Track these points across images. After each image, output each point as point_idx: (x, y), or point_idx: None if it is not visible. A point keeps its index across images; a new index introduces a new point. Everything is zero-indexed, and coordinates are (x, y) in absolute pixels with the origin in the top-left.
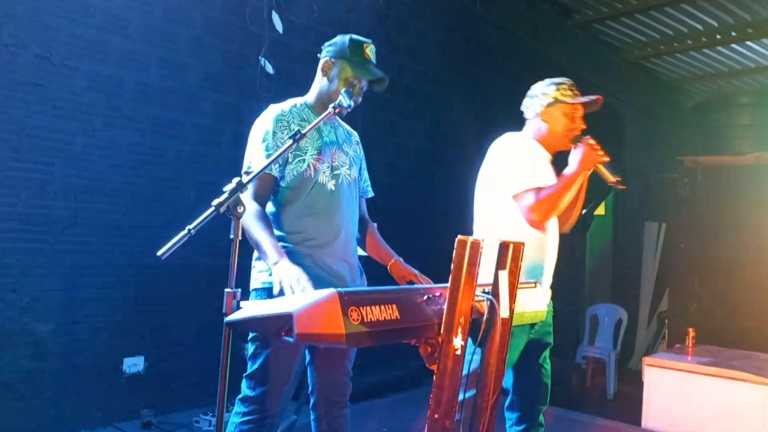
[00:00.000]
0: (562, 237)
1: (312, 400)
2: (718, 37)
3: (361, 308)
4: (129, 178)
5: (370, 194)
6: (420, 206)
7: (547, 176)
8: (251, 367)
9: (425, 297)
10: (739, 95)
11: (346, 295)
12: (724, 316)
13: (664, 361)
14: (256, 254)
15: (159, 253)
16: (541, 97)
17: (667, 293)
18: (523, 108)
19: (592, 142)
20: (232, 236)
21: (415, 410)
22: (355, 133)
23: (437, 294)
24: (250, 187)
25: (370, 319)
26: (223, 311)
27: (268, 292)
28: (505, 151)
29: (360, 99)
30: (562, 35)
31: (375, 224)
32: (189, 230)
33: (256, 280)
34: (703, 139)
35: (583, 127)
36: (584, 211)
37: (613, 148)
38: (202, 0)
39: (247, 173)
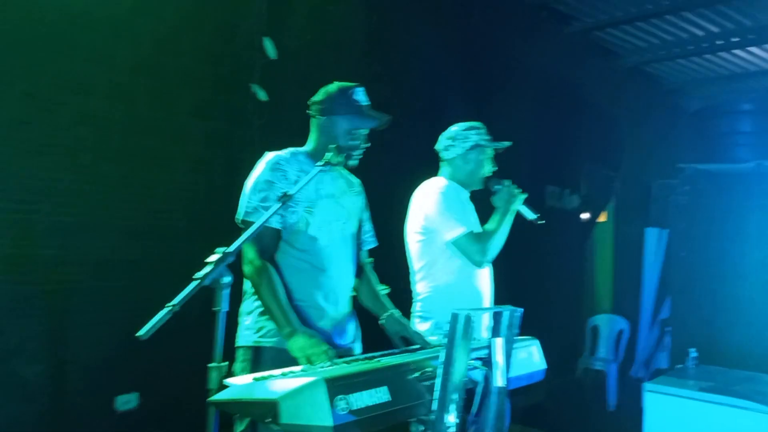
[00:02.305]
0: (564, 247)
1: None
2: (719, 42)
3: (349, 396)
4: (118, 212)
5: (373, 244)
6: None
7: (476, 219)
8: (239, 428)
9: (417, 374)
10: (740, 101)
11: (334, 382)
12: (726, 325)
13: (665, 387)
14: (244, 305)
15: (139, 333)
16: (463, 140)
17: (669, 301)
18: (440, 148)
19: (509, 182)
20: (216, 308)
21: None
22: (356, 182)
23: (429, 370)
24: (255, 244)
25: (359, 406)
26: (208, 387)
27: (253, 352)
28: (437, 197)
29: (367, 143)
30: (561, 43)
31: (374, 275)
32: (172, 307)
33: (243, 337)
34: (704, 145)
35: (495, 168)
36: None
37: (613, 154)
38: (192, 27)
39: (244, 222)
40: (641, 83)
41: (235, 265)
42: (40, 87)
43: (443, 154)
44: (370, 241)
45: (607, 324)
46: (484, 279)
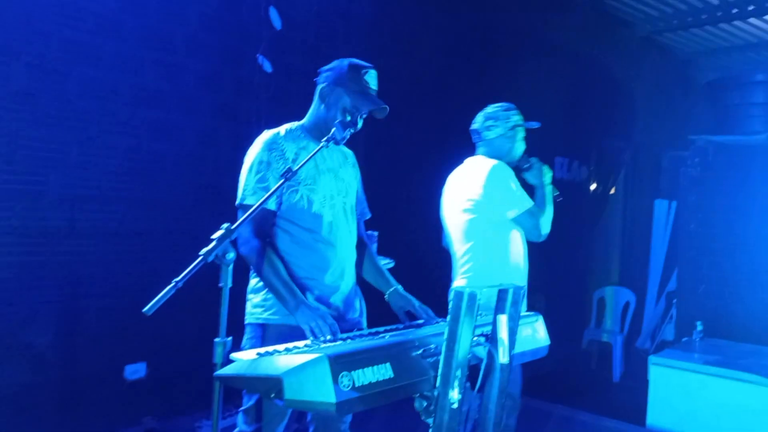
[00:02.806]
0: (572, 219)
1: (311, 430)
2: (734, 11)
3: (352, 372)
4: (126, 185)
5: (368, 215)
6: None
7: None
8: (247, 402)
9: (421, 350)
10: (755, 72)
11: (337, 359)
12: (733, 298)
13: (670, 360)
14: (251, 284)
15: (145, 309)
16: (505, 120)
17: (676, 273)
18: (481, 128)
19: (536, 159)
20: (221, 284)
21: (416, 412)
22: (350, 154)
23: (432, 346)
24: (251, 224)
25: (362, 383)
26: (213, 362)
27: (262, 329)
28: (496, 176)
29: (360, 125)
30: (572, 13)
31: (375, 243)
32: (176, 282)
33: (251, 315)
34: (716, 117)
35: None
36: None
37: (624, 125)
38: None
39: (242, 206)
40: (654, 53)
41: None
42: (46, 58)
43: (485, 134)
44: (366, 213)
45: (613, 296)
46: (524, 256)
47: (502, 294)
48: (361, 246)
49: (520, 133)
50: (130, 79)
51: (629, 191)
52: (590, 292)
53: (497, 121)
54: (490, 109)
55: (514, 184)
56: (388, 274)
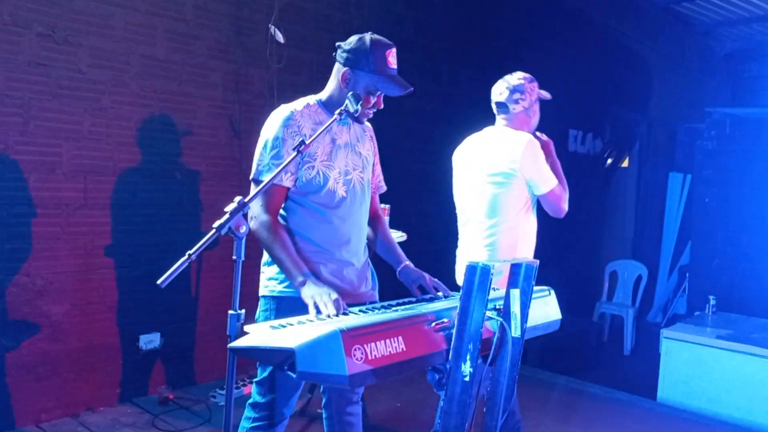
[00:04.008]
0: (585, 191)
1: (324, 399)
2: None
3: (365, 345)
4: (138, 156)
5: (384, 189)
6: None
7: None
8: (261, 374)
9: (433, 324)
10: None
11: (350, 332)
12: (746, 273)
13: (682, 334)
14: (265, 258)
15: (159, 281)
16: (530, 93)
17: (689, 247)
18: (507, 101)
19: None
20: (235, 257)
21: (428, 385)
22: (369, 127)
23: (445, 320)
24: (262, 199)
25: (375, 356)
26: (227, 334)
27: (276, 302)
28: (530, 150)
29: (381, 105)
30: None
31: (386, 218)
32: (189, 255)
33: (265, 288)
34: (734, 89)
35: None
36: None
37: (639, 97)
38: None
39: (255, 181)
40: (673, 24)
41: None
42: (58, 29)
43: (512, 107)
44: (381, 187)
45: (625, 269)
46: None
47: (514, 268)
48: (375, 220)
49: (540, 106)
50: (142, 49)
51: (643, 164)
52: (602, 265)
53: (523, 94)
54: (515, 81)
55: (545, 159)
56: (399, 249)
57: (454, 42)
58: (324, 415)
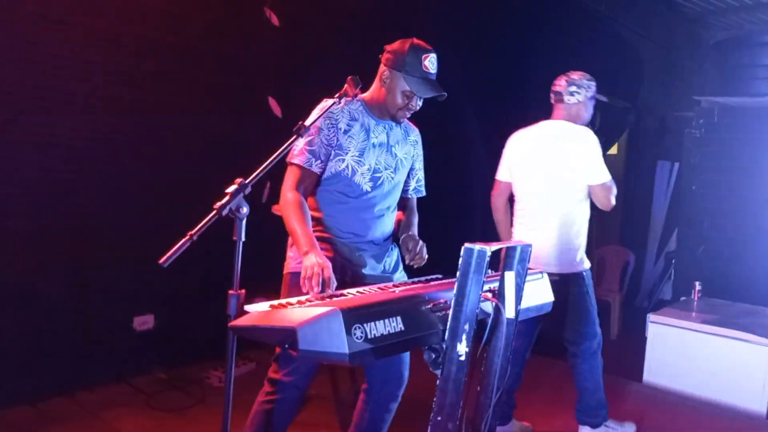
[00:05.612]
0: None
1: (365, 396)
2: None
3: (364, 325)
4: (132, 137)
5: (422, 193)
6: None
7: None
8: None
9: (430, 305)
10: (764, 33)
11: (350, 312)
12: (732, 260)
13: (669, 318)
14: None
15: (161, 261)
16: (587, 89)
17: (676, 234)
18: (564, 92)
19: None
20: (235, 238)
21: (423, 364)
22: (414, 131)
23: (442, 301)
24: (291, 179)
25: (374, 335)
26: (227, 313)
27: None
28: (593, 145)
29: (419, 106)
30: None
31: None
32: (191, 236)
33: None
34: (723, 78)
35: None
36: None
37: (628, 85)
38: None
39: (288, 164)
40: (663, 12)
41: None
42: (50, 7)
43: (567, 98)
44: (419, 190)
45: (613, 255)
46: None
47: (509, 251)
48: (406, 219)
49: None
50: (134, 29)
51: (632, 151)
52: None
53: (580, 89)
54: (575, 75)
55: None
56: (412, 227)
57: (460, 27)
58: (362, 399)
